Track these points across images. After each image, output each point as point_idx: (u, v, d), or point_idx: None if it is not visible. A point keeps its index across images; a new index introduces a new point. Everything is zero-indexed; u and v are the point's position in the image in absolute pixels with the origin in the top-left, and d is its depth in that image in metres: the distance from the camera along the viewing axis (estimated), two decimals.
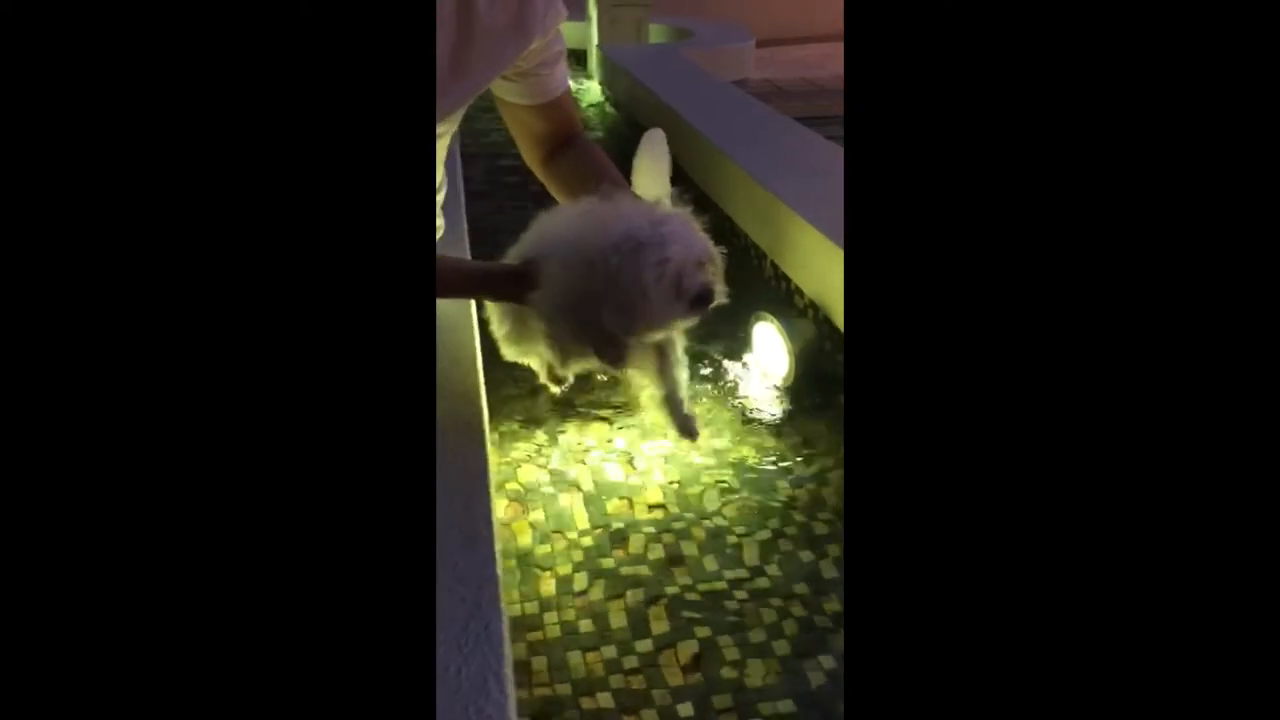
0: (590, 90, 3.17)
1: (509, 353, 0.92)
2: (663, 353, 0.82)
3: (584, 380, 1.07)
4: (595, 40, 3.35)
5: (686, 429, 0.86)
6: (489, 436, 0.82)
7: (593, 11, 3.37)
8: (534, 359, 0.94)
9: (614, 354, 0.76)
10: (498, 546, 0.65)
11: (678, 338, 0.84)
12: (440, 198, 0.92)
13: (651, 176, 0.94)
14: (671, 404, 0.85)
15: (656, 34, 3.65)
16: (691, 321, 0.74)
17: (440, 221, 0.94)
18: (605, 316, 0.71)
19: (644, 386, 0.87)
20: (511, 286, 0.77)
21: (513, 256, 0.81)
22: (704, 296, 0.71)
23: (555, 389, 0.99)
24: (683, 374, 0.85)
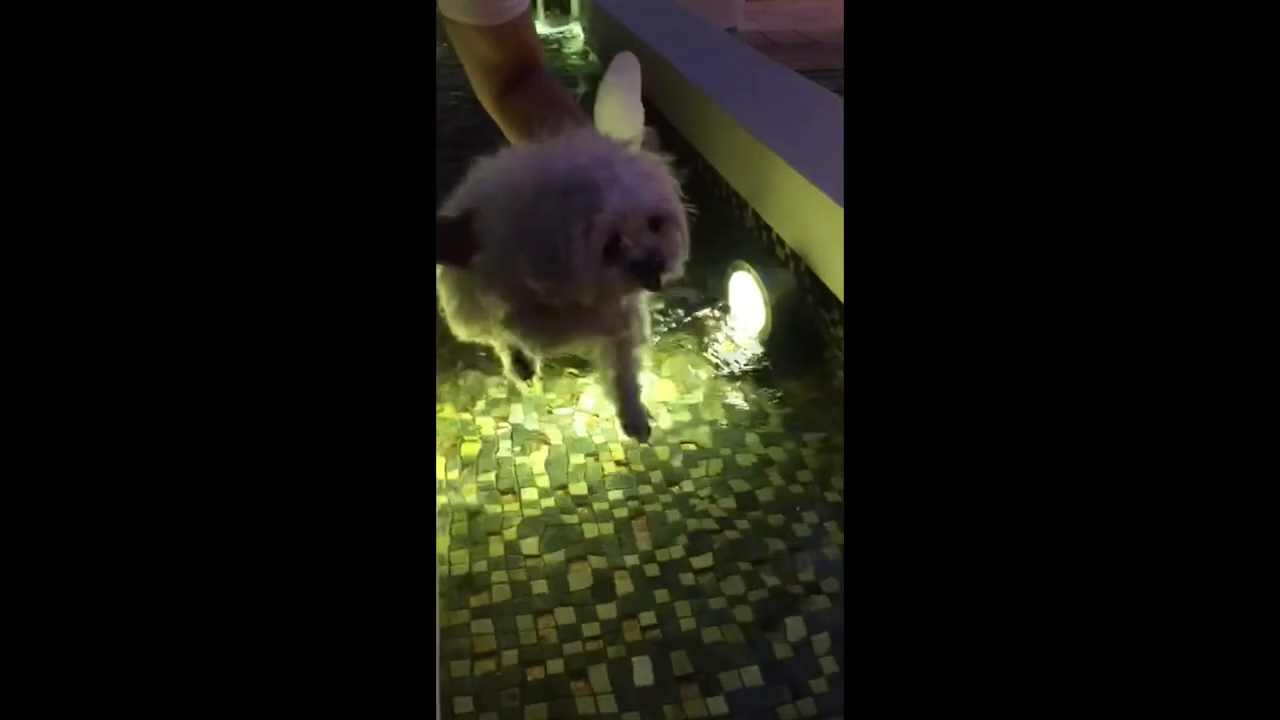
0: (573, 34, 3.03)
1: (460, 332, 0.76)
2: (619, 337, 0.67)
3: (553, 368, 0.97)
4: None
5: (635, 425, 0.72)
6: (443, 389, 0.75)
7: None
8: (494, 340, 0.79)
9: (547, 328, 0.62)
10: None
11: (640, 311, 0.69)
12: None
13: (619, 108, 0.85)
14: (621, 391, 0.72)
15: None
16: (632, 292, 0.59)
17: None
18: (525, 274, 0.56)
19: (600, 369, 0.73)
20: (449, 244, 0.62)
21: (449, 209, 0.68)
22: (645, 265, 0.55)
23: (521, 383, 0.85)
24: (637, 357, 0.72)
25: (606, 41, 2.64)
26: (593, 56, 2.78)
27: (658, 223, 0.56)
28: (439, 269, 0.72)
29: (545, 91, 0.73)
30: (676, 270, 0.58)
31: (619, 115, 0.82)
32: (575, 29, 3.08)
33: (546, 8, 3.19)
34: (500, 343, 0.80)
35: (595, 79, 2.45)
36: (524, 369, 0.86)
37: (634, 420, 0.73)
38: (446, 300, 0.75)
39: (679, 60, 1.80)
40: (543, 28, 3.12)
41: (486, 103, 0.78)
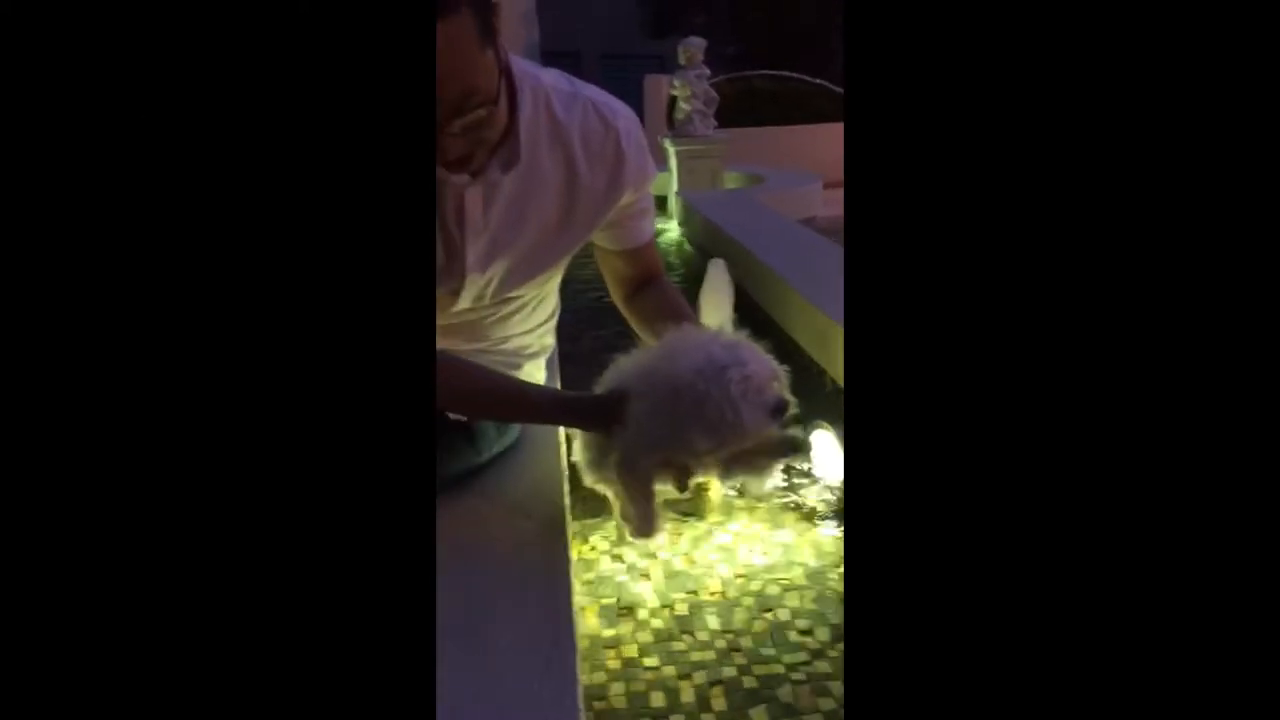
0: (671, 231, 3.47)
1: (588, 478, 0.95)
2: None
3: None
4: (675, 187, 3.71)
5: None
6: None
7: (672, 162, 3.77)
8: (611, 490, 0.98)
9: (689, 476, 0.83)
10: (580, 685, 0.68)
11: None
12: (554, 322, 1.07)
13: (715, 303, 1.09)
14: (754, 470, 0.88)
15: (732, 181, 4.00)
16: (772, 429, 0.80)
17: (552, 340, 1.08)
18: (696, 438, 0.76)
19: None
20: (596, 417, 0.84)
21: (599, 389, 0.91)
22: (781, 406, 0.78)
23: (629, 530, 1.01)
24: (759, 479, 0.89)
25: (697, 234, 3.04)
26: (687, 246, 3.18)
27: (775, 377, 0.80)
28: (580, 432, 0.95)
29: (664, 296, 0.98)
30: (793, 408, 0.80)
31: (716, 306, 1.06)
32: (673, 225, 3.54)
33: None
34: (613, 490, 0.98)
35: (688, 264, 2.76)
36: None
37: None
38: (580, 452, 0.96)
39: (760, 251, 2.09)
40: None
41: (618, 301, 1.04)
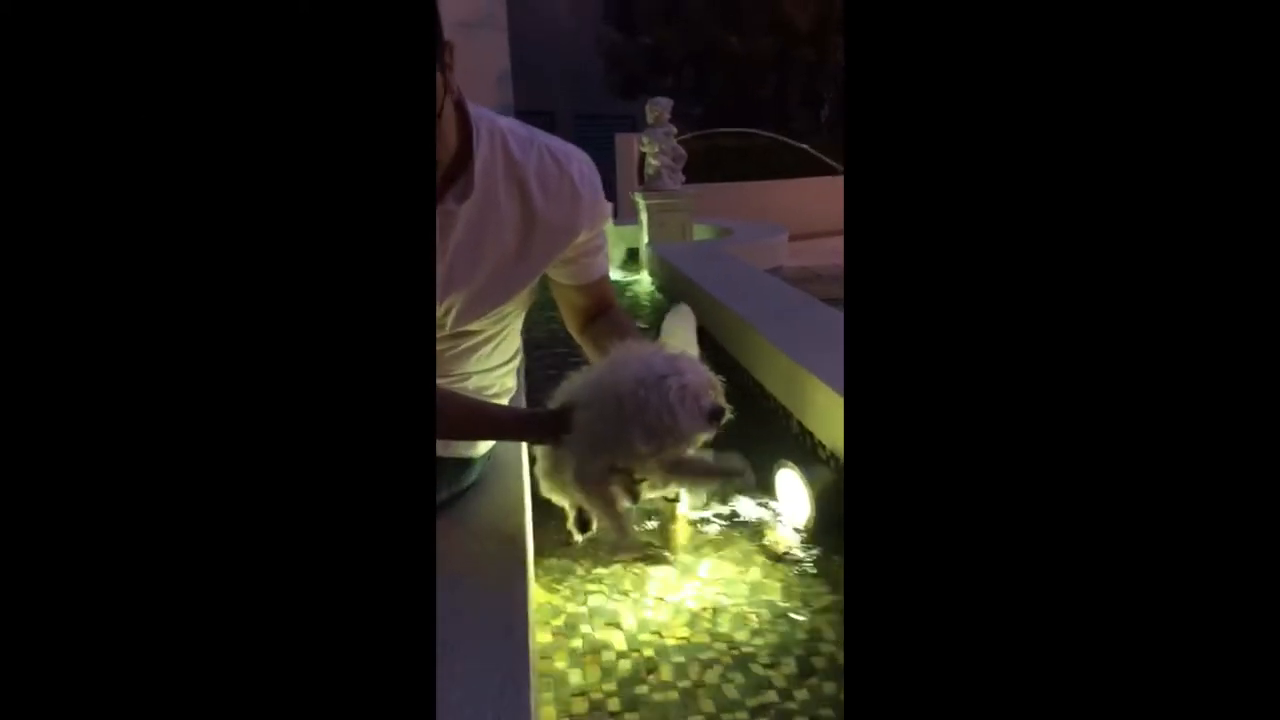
0: (642, 282, 3.54)
1: (544, 487, 1.03)
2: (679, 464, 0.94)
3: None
4: (645, 239, 3.80)
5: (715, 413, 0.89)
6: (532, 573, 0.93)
7: (643, 215, 3.87)
8: (565, 499, 1.05)
9: (636, 482, 0.89)
10: (533, 680, 0.71)
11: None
12: (516, 364, 1.10)
13: (678, 341, 1.13)
14: (695, 474, 0.94)
15: (701, 233, 4.11)
16: (709, 435, 0.87)
17: (514, 383, 1.11)
18: (638, 441, 0.83)
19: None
20: (548, 427, 0.91)
21: (553, 404, 0.97)
22: (717, 412, 0.84)
23: (579, 536, 1.08)
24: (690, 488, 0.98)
25: (667, 284, 3.10)
26: (659, 295, 3.24)
27: (712, 386, 0.87)
28: (540, 447, 1.01)
29: (615, 324, 1.03)
30: (728, 415, 0.86)
31: (679, 344, 1.10)
32: (644, 276, 3.61)
33: (625, 261, 3.79)
34: (570, 501, 1.04)
35: (659, 312, 2.80)
36: (583, 525, 1.05)
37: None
38: (540, 462, 1.02)
39: (728, 299, 2.14)
40: (619, 274, 3.68)
41: (573, 331, 1.09)
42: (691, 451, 0.91)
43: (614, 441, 0.85)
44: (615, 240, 3.83)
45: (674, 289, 2.94)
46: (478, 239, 0.87)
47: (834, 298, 2.37)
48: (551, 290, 1.07)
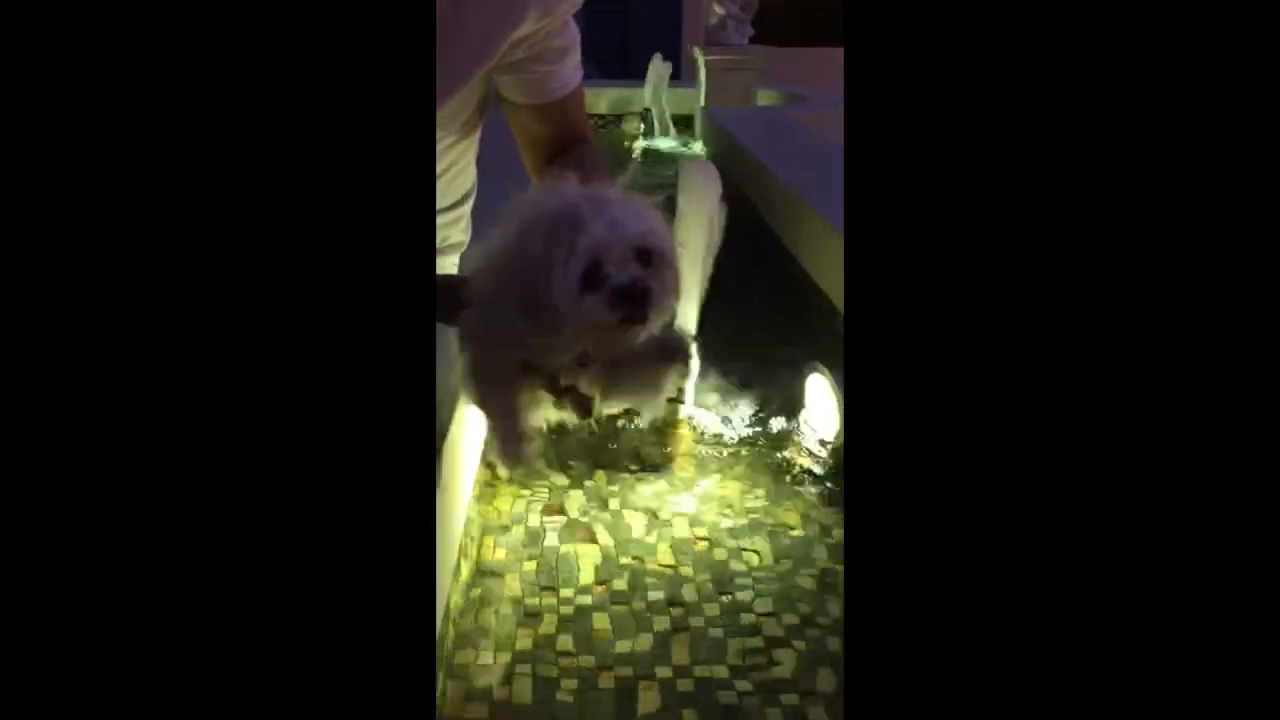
0: (695, 152, 3.20)
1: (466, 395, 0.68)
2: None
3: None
4: (701, 102, 3.40)
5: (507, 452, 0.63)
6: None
7: (700, 75, 3.44)
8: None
9: (559, 388, 0.58)
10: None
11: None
12: (466, 209, 0.84)
13: (694, 215, 0.87)
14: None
15: (765, 99, 3.66)
16: (613, 327, 0.53)
17: (464, 235, 0.86)
18: (517, 320, 0.53)
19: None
20: (442, 301, 0.58)
21: (465, 269, 0.69)
22: (628, 292, 0.51)
23: (502, 471, 0.79)
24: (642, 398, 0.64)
25: (722, 156, 2.77)
26: None
27: (646, 257, 0.53)
28: None
29: (583, 159, 0.72)
30: (666, 308, 0.54)
31: (694, 208, 0.83)
32: (698, 146, 3.26)
33: (673, 126, 3.42)
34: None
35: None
36: (510, 454, 0.68)
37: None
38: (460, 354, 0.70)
39: (786, 174, 1.84)
40: (668, 143, 3.34)
41: (532, 173, 0.79)
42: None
43: (499, 322, 0.55)
44: (677, 102, 3.43)
45: (731, 164, 2.61)
46: None
47: None
48: (505, 116, 0.78)
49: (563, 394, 0.61)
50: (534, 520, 0.91)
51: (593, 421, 0.66)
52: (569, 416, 0.63)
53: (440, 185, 0.77)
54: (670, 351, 0.60)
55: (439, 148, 0.74)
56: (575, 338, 0.54)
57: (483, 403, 0.62)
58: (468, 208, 0.83)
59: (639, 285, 0.51)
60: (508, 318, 0.53)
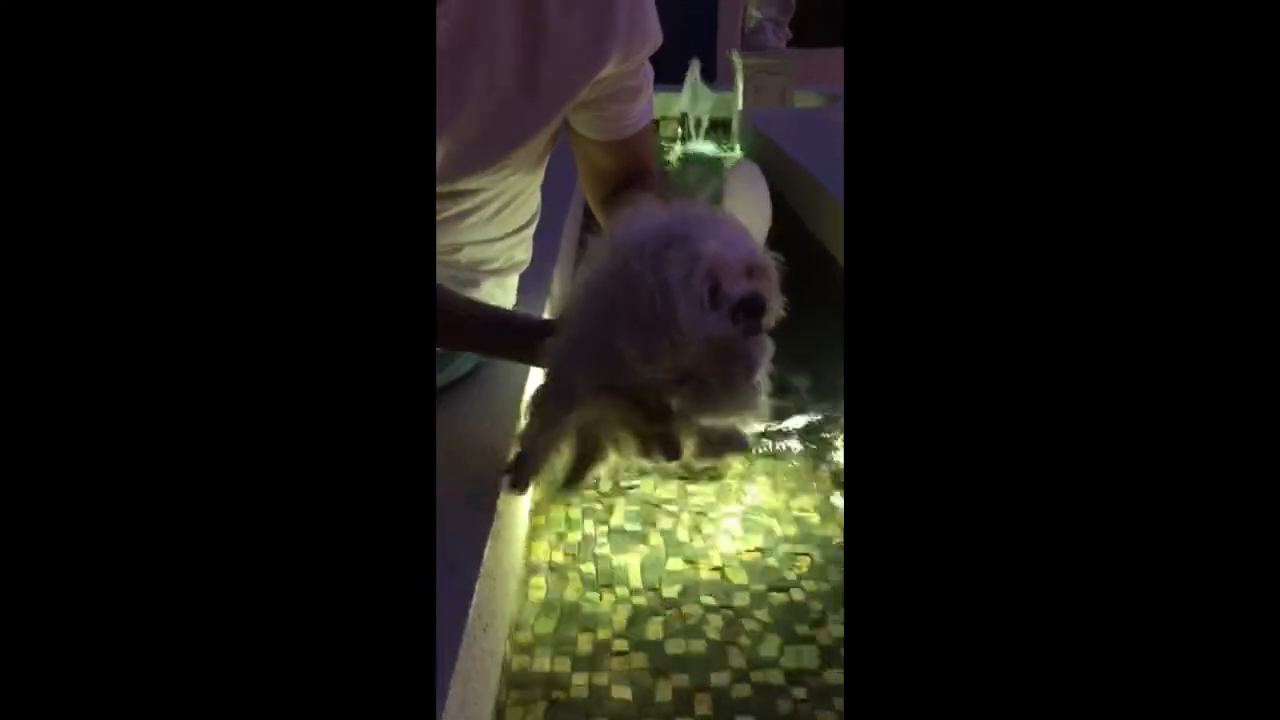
0: (734, 159, 3.20)
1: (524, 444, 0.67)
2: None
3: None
4: (739, 105, 3.40)
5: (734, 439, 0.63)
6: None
7: (738, 78, 3.44)
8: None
9: (662, 421, 0.58)
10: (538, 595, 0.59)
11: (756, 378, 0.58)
12: (531, 230, 0.85)
13: (742, 210, 0.87)
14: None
15: (803, 100, 3.64)
16: (735, 341, 0.53)
17: (524, 255, 0.86)
18: (624, 339, 0.52)
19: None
20: (522, 338, 0.62)
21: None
22: (750, 305, 0.52)
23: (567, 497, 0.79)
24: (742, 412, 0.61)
25: (761, 159, 2.76)
26: None
27: (752, 272, 0.54)
28: None
29: (646, 193, 0.70)
30: (777, 311, 0.55)
31: (743, 214, 0.84)
32: (737, 152, 3.26)
33: (710, 130, 3.42)
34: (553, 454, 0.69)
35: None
36: (573, 479, 0.70)
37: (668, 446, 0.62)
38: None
39: (826, 177, 1.83)
40: (704, 146, 3.34)
41: (593, 205, 0.80)
42: (758, 377, 0.56)
43: (596, 344, 0.54)
44: (714, 107, 3.43)
45: (768, 165, 2.60)
46: (462, 57, 0.62)
47: None
48: (570, 143, 0.77)
49: (652, 439, 0.61)
50: (589, 528, 0.93)
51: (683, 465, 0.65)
52: (657, 459, 0.62)
53: (510, 209, 0.78)
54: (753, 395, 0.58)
55: (513, 177, 0.75)
56: (696, 355, 0.53)
57: (540, 426, 0.63)
58: (531, 230, 0.84)
59: (759, 299, 0.53)
60: (609, 344, 0.53)
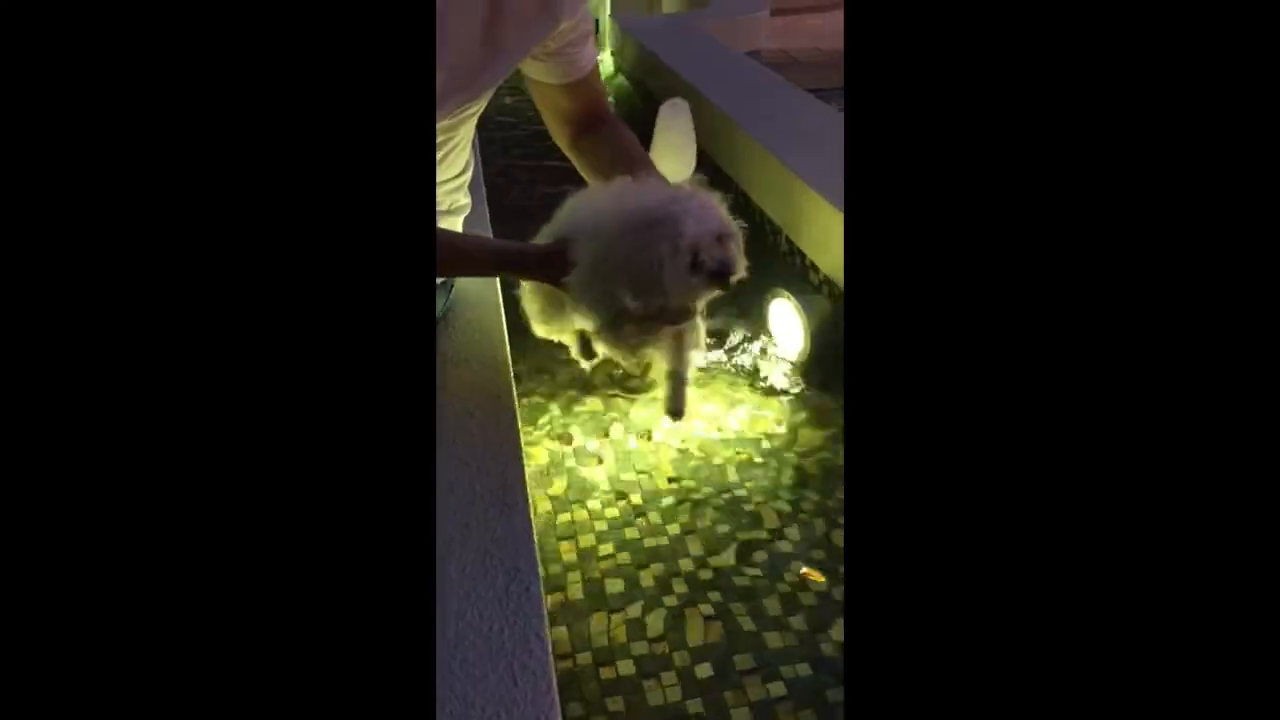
0: (603, 63, 3.13)
1: (540, 330, 0.93)
2: (681, 333, 0.83)
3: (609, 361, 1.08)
4: (608, 11, 3.30)
5: (677, 409, 0.89)
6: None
7: None
8: (566, 335, 0.96)
9: (636, 333, 0.79)
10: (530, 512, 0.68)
11: (699, 320, 0.84)
12: (468, 177, 0.93)
13: (674, 151, 0.94)
14: (675, 382, 0.88)
15: (670, 5, 3.59)
16: (711, 295, 0.77)
17: (467, 199, 0.95)
18: (623, 294, 0.73)
19: (660, 363, 0.88)
20: (544, 268, 0.80)
21: (544, 236, 0.83)
22: (721, 271, 0.73)
23: (586, 364, 1.00)
24: (696, 357, 0.87)
25: (634, 67, 2.74)
26: (620, 79, 2.89)
27: (721, 238, 0.74)
28: (526, 283, 0.89)
29: (613, 139, 0.87)
30: (740, 273, 0.75)
31: (675, 155, 0.92)
32: (605, 56, 3.19)
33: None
34: (571, 338, 0.96)
35: (622, 99, 2.50)
36: (588, 352, 0.97)
37: (677, 407, 0.89)
38: (529, 302, 0.91)
39: (706, 88, 1.88)
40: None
41: (563, 145, 0.91)
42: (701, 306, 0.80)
43: (607, 289, 0.74)
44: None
45: (641, 73, 2.60)
46: (440, 15, 0.67)
47: (814, 87, 2.13)
48: (530, 92, 0.87)
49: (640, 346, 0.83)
50: (552, 446, 1.01)
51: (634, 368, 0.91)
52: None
53: (453, 155, 0.87)
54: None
55: (462, 128, 0.84)
56: (678, 303, 0.77)
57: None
58: (468, 177, 0.94)
59: (728, 266, 0.73)
60: (616, 291, 0.74)
